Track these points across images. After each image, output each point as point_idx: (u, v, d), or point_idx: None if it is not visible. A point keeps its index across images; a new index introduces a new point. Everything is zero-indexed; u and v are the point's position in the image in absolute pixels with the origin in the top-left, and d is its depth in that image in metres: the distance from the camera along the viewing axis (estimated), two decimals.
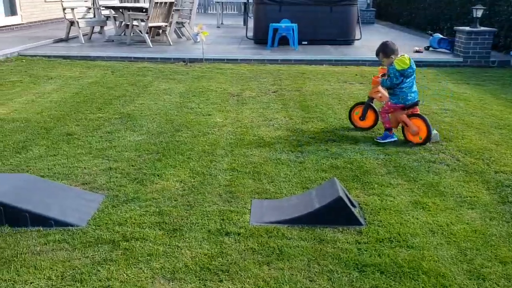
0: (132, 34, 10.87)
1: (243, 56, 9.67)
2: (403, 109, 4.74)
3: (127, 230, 3.02)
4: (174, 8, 10.91)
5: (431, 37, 11.08)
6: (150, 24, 10.51)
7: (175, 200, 3.45)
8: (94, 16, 11.87)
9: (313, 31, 11.21)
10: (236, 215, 3.23)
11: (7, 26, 12.60)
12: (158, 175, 3.89)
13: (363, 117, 5.16)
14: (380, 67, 5.03)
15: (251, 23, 12.47)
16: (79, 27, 10.75)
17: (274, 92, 7.02)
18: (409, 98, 4.68)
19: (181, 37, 12.32)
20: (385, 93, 4.98)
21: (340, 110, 6.02)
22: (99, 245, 2.85)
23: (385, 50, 4.73)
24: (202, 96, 6.67)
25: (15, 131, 4.90)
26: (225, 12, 20.27)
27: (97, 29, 12.05)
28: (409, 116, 4.73)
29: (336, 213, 3.06)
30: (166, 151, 4.44)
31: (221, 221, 3.16)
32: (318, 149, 4.54)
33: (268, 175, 3.93)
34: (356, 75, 8.47)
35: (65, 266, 2.64)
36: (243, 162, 4.20)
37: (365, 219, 3.20)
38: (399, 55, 4.69)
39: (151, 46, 10.45)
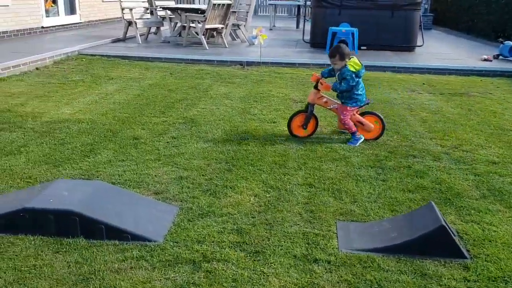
0: (187, 36, 10.81)
1: (301, 60, 9.40)
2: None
3: (207, 249, 2.81)
4: (231, 10, 10.76)
5: (501, 44, 10.42)
6: (207, 26, 10.41)
7: (252, 217, 3.21)
8: (151, 17, 11.91)
9: (373, 36, 10.79)
10: (322, 239, 2.96)
11: (67, 24, 12.86)
12: (230, 187, 3.68)
13: (305, 126, 4.86)
14: (314, 73, 4.98)
15: (307, 26, 12.18)
16: (137, 28, 10.79)
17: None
18: (364, 99, 4.81)
19: (235, 40, 12.18)
20: (329, 98, 4.91)
21: (414, 122, 5.64)
22: (180, 265, 2.65)
23: (343, 53, 4.67)
24: (263, 102, 6.45)
25: (82, 133, 4.82)
26: (276, 14, 20.05)
27: (153, 29, 12.10)
28: (360, 115, 4.88)
29: (438, 244, 2.73)
30: (235, 161, 4.23)
31: (307, 245, 2.90)
32: (399, 166, 4.20)
33: (349, 193, 3.64)
34: (423, 84, 8.02)
35: None
36: (319, 177, 3.92)
37: (468, 251, 2.85)
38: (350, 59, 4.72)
39: (207, 48, 10.35)
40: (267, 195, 3.56)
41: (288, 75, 8.38)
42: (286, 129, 5.21)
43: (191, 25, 10.59)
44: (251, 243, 2.89)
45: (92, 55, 9.37)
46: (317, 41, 11.05)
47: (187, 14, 10.43)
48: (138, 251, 2.76)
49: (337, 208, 3.39)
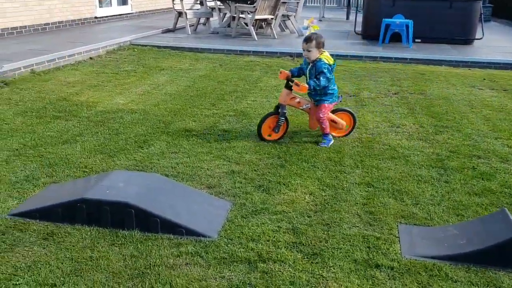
0: (237, 26, 10.74)
1: (353, 52, 9.12)
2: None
3: (262, 248, 2.71)
4: (281, 0, 10.59)
5: None
6: (257, 17, 10.29)
7: (308, 217, 3.09)
8: (201, 7, 11.92)
9: (428, 28, 10.34)
10: (384, 243, 2.80)
11: (119, 15, 13.10)
12: (284, 184, 3.56)
13: (277, 129, 4.44)
14: (282, 70, 4.53)
15: (359, 17, 11.84)
16: (187, 18, 10.82)
17: (395, 94, 6.43)
18: (338, 95, 4.51)
19: (284, 30, 12.01)
20: (302, 97, 4.54)
21: (476, 120, 5.32)
22: (235, 264, 2.57)
23: (319, 41, 4.29)
24: None
25: (135, 123, 4.84)
26: (325, 5, 19.65)
27: (202, 20, 12.11)
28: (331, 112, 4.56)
29: None
30: (288, 156, 4.11)
31: (367, 249, 2.75)
32: (463, 167, 3.95)
33: (410, 194, 3.45)
34: (484, 79, 7.58)
35: (201, 286, 2.39)
36: (378, 176, 3.74)
37: None
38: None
39: (256, 39, 10.24)
40: (323, 194, 3.42)
41: (340, 67, 8.14)
42: None
43: (241, 15, 10.51)
44: (308, 244, 2.77)
45: (143, 45, 9.47)
46: (369, 33, 10.71)
47: (237, 4, 10.34)
48: (193, 247, 2.71)
49: (398, 210, 3.21)
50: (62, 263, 2.52)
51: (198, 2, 12.00)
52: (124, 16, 13.36)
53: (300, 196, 3.37)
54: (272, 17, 10.71)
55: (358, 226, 3.00)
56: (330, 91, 4.35)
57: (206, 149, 4.26)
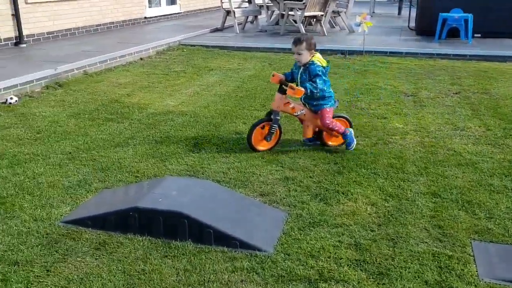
0: (285, 24, 10.53)
1: (408, 49, 8.69)
2: None
3: (323, 266, 2.52)
4: None
5: None
6: (306, 14, 10.04)
7: (371, 231, 2.87)
8: (249, 5, 11.79)
9: (490, 22, 9.70)
10: (457, 263, 2.53)
11: (168, 15, 13.20)
12: (343, 193, 3.35)
13: (269, 137, 4.04)
14: (274, 72, 4.12)
15: (412, 12, 11.32)
16: (235, 17, 10.72)
17: (456, 93, 6.03)
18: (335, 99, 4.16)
19: (334, 27, 11.68)
20: (296, 102, 4.12)
21: None
22: (294, 283, 2.39)
23: (311, 42, 3.93)
24: (371, 95, 5.99)
25: (186, 126, 4.76)
26: (376, 0, 19.05)
27: (249, 18, 11.98)
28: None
29: None
30: (345, 162, 3.88)
31: (439, 269, 2.50)
32: None
33: (483, 206, 3.14)
34: None
35: None
36: (445, 185, 3.45)
37: None
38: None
39: None
40: (385, 204, 3.18)
41: (394, 65, 7.78)
42: (400, 125, 4.76)
43: (290, 13, 10.29)
44: (372, 262, 2.55)
45: (192, 45, 9.45)
46: (424, 29, 10.20)
47: (286, 1, 10.13)
48: (249, 262, 2.55)
49: (470, 224, 2.93)
50: (114, 276, 2.44)
51: (246, 0, 11.88)
52: (173, 15, 13.46)
53: (361, 207, 3.14)
54: (322, 13, 10.42)
55: (426, 242, 2.74)
56: (328, 94, 4.02)
57: (258, 153, 4.10)
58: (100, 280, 2.41)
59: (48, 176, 3.58)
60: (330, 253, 2.63)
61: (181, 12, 13.87)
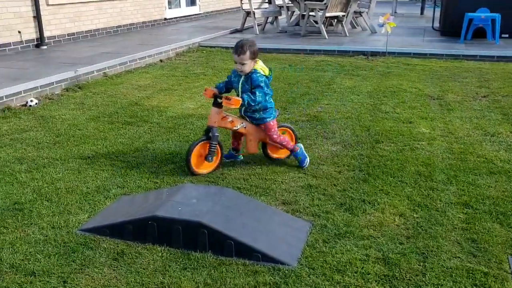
0: (306, 25, 10.38)
1: (432, 50, 8.47)
2: None
3: (350, 281, 2.39)
4: None
5: None
6: (328, 14, 9.89)
7: (400, 243, 2.72)
8: (269, 6, 11.68)
9: None
10: (494, 281, 2.38)
11: (187, 16, 13.18)
12: (369, 202, 3.21)
13: (211, 157, 3.65)
14: (206, 87, 3.75)
15: (436, 12, 11.06)
16: (255, 18, 10.62)
17: (484, 96, 5.82)
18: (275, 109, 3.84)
19: (355, 27, 11.49)
20: (234, 116, 3.75)
21: None
22: None
23: (254, 51, 3.53)
24: (395, 98, 5.81)
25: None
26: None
27: (269, 19, 11.87)
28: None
29: None
30: (370, 169, 3.74)
31: (474, 286, 2.35)
32: None
33: None
34: None
35: None
36: (477, 195, 3.28)
37: None
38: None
39: (327, 37, 9.84)
40: (414, 215, 3.03)
41: (419, 67, 7.58)
42: (426, 130, 4.59)
43: (311, 13, 10.14)
44: (402, 279, 2.41)
45: (211, 46, 9.39)
46: (449, 29, 9.95)
47: (307, 2, 9.98)
48: (271, 276, 2.44)
49: (506, 238, 2.76)
50: None
51: (267, 0, 11.77)
52: (192, 17, 13.43)
53: (389, 218, 3.00)
54: (344, 14, 10.25)
55: (459, 257, 2.59)
56: (269, 105, 3.70)
57: (279, 160, 3.98)
58: None
59: (66, 182, 3.53)
60: (357, 267, 2.50)
61: (200, 13, 13.83)
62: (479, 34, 9.32)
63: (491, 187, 3.41)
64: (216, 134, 3.65)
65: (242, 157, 3.97)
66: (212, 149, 3.64)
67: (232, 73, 3.76)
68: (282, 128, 3.97)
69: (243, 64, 3.52)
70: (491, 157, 3.94)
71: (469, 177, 3.58)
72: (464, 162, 3.84)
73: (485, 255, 2.61)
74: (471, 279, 2.40)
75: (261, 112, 3.70)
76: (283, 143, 3.79)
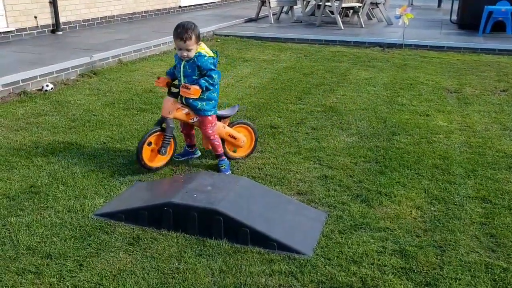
0: (322, 15, 10.28)
1: (450, 43, 8.33)
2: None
3: (366, 273, 2.37)
4: None
5: None
6: (344, 5, 9.77)
7: (417, 236, 2.69)
8: None
9: None
10: None
11: (202, 4, 13.11)
12: (385, 194, 3.17)
13: (164, 150, 3.40)
14: (159, 76, 3.51)
15: (454, 5, 10.87)
16: (270, 7, 10.54)
17: (503, 91, 5.72)
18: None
19: (371, 19, 11.35)
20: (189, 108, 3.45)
21: None
22: None
23: (199, 33, 3.28)
24: (411, 90, 5.74)
25: None
26: None
27: (284, 9, 11.77)
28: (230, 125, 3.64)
29: None
30: (387, 161, 3.70)
31: (493, 282, 2.31)
32: None
33: None
34: None
35: None
36: (495, 190, 3.23)
37: None
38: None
39: (342, 28, 9.73)
40: (432, 209, 2.99)
41: (435, 59, 7.47)
42: (444, 124, 4.53)
43: (327, 3, 10.03)
44: (419, 272, 2.38)
45: (226, 35, 9.34)
46: (467, 22, 9.77)
47: None
48: (287, 265, 2.42)
49: None
50: (147, 274, 2.35)
51: None
52: (208, 5, 13.36)
53: (406, 210, 2.96)
54: (360, 4, 10.12)
55: (478, 252, 2.55)
56: (211, 96, 3.41)
57: (294, 149, 3.96)
58: (134, 277, 2.33)
59: (82, 166, 3.54)
60: (374, 259, 2.48)
61: (215, 2, 13.76)
62: (498, 27, 9.16)
63: (510, 182, 3.35)
64: (171, 125, 3.40)
65: (199, 153, 3.75)
66: (166, 141, 3.40)
67: (175, 57, 3.49)
68: (240, 125, 3.72)
69: (189, 50, 3.25)
70: (510, 152, 3.88)
71: (488, 171, 3.52)
72: (482, 156, 3.78)
73: (504, 250, 2.57)
74: (490, 274, 2.37)
75: (204, 103, 3.40)
76: (214, 143, 3.49)
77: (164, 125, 3.41)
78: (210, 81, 3.31)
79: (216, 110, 3.52)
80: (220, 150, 3.53)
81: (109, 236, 2.66)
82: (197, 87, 3.26)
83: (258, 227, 2.61)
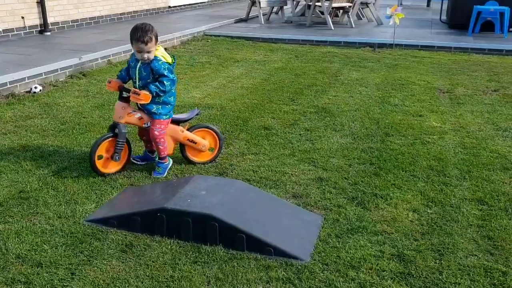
0: (312, 15, 10.25)
1: (440, 42, 8.36)
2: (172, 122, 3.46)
3: (365, 278, 2.33)
4: None
5: None
6: (334, 5, 9.77)
7: (415, 240, 2.66)
8: None
9: None
10: None
11: (192, 4, 13.02)
12: (381, 197, 3.14)
13: (118, 156, 3.31)
14: (110, 79, 3.38)
15: (444, 5, 10.91)
16: (260, 7, 10.49)
17: (494, 90, 5.74)
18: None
19: (361, 19, 11.36)
20: (142, 112, 3.38)
21: None
22: None
23: (157, 34, 3.20)
24: (403, 90, 5.73)
25: (213, 120, 4.59)
26: None
27: (274, 9, 11.73)
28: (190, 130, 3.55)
29: None
30: (381, 163, 3.67)
31: (492, 286, 2.29)
32: None
33: None
34: None
35: None
36: (491, 191, 3.22)
37: None
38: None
39: (332, 28, 9.72)
40: (428, 211, 2.97)
41: (426, 59, 7.48)
42: (437, 124, 4.52)
43: (317, 3, 10.01)
44: (418, 276, 2.35)
45: (216, 35, 9.27)
46: (457, 22, 9.81)
47: None
48: (284, 271, 2.38)
49: None
50: (141, 282, 2.29)
51: None
52: (197, 5, 13.28)
53: (402, 213, 2.93)
54: (350, 4, 10.12)
55: (476, 255, 2.53)
56: (167, 99, 3.33)
57: (289, 150, 3.92)
58: (127, 286, 2.27)
59: (72, 171, 3.46)
60: (372, 264, 2.44)
61: (205, 2, 13.68)
62: (487, 27, 9.21)
63: (506, 183, 3.35)
64: (124, 131, 3.30)
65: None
66: (119, 147, 3.30)
67: (131, 57, 3.39)
68: (203, 129, 3.62)
69: (149, 52, 3.16)
70: (504, 152, 3.87)
71: (483, 172, 3.51)
72: (477, 157, 3.77)
73: (502, 253, 2.55)
74: (489, 278, 2.35)
75: (160, 106, 3.31)
76: (159, 146, 3.37)
77: (116, 130, 3.31)
78: (160, 87, 3.22)
79: (171, 114, 3.42)
80: (163, 154, 3.40)
81: (101, 243, 2.60)
82: (147, 92, 3.18)
83: (254, 232, 2.56)
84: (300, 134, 4.30)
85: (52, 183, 3.26)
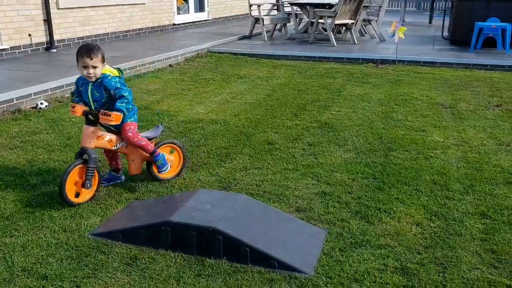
0: (315, 32, 10.37)
1: (442, 59, 8.42)
2: None
3: None
4: (363, 4, 10.08)
5: None
6: (337, 22, 9.87)
7: (418, 253, 2.67)
8: (278, 13, 11.70)
9: None
10: None
11: (196, 22, 13.20)
12: (385, 211, 3.15)
13: (89, 183, 3.18)
14: (73, 104, 3.28)
15: (446, 22, 11.03)
16: (263, 24, 10.62)
17: (497, 106, 5.76)
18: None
19: (364, 35, 11.47)
20: (110, 134, 3.34)
21: None
22: None
23: (104, 52, 3.18)
24: (406, 106, 5.77)
25: (216, 135, 4.63)
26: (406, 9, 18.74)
27: (277, 26, 11.87)
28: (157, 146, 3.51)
29: None
30: (385, 177, 3.69)
31: None
32: None
33: None
34: None
35: None
36: (494, 205, 3.22)
37: None
38: None
39: (335, 45, 9.81)
40: (431, 225, 2.97)
41: (429, 75, 7.53)
42: (440, 139, 4.54)
43: (320, 20, 10.13)
44: None
45: (220, 52, 9.37)
46: (458, 38, 9.89)
47: (316, 9, 9.98)
48: (288, 285, 2.39)
49: None
50: None
51: (275, 8, 11.78)
52: (201, 23, 13.45)
53: (406, 227, 2.94)
54: (353, 21, 10.23)
55: (480, 269, 2.53)
56: (131, 106, 3.29)
57: (292, 165, 3.94)
58: None
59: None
60: (375, 277, 2.45)
61: (209, 19, 13.86)
62: (489, 43, 9.28)
63: (509, 197, 3.35)
64: (94, 155, 3.19)
65: (124, 178, 3.58)
66: (89, 174, 3.17)
67: (77, 82, 3.35)
68: (169, 145, 3.64)
69: (95, 67, 3.13)
70: (506, 167, 3.89)
71: (486, 186, 3.52)
72: (479, 172, 3.78)
73: (506, 267, 2.55)
74: None
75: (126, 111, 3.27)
76: (142, 143, 3.34)
77: (85, 156, 3.21)
78: (125, 101, 3.20)
79: (136, 118, 3.41)
80: (150, 148, 3.39)
81: (106, 256, 2.62)
82: (117, 113, 3.15)
83: (258, 245, 2.57)
84: (303, 149, 4.32)
85: (58, 197, 3.28)
